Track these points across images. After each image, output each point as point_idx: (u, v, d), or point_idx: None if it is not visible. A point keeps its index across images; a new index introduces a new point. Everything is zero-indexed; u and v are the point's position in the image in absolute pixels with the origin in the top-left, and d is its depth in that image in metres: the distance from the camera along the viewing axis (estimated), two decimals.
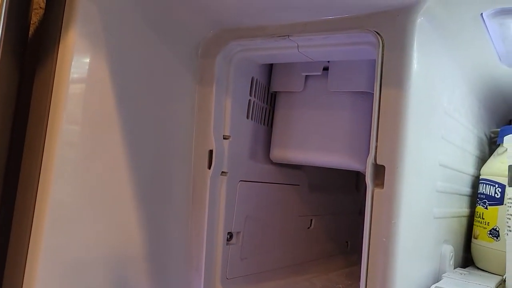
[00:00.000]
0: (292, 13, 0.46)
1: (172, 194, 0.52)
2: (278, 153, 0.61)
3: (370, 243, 0.41)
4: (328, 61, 0.56)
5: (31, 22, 0.45)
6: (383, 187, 0.41)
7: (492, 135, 0.72)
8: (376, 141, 0.41)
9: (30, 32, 0.45)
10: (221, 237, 0.54)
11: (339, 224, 0.82)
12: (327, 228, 0.78)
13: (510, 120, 0.80)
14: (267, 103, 0.63)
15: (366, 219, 0.41)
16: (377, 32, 0.42)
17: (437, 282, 0.49)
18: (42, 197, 0.40)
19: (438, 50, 0.46)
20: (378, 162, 0.41)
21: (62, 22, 0.42)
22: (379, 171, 0.41)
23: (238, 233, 0.57)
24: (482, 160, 0.67)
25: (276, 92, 0.62)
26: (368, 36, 0.42)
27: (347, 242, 0.86)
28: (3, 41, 0.40)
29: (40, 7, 0.47)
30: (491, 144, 0.72)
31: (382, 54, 0.41)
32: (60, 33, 0.41)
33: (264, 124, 0.62)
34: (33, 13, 0.46)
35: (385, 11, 0.41)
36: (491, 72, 0.57)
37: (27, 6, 0.44)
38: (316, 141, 0.57)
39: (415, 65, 0.41)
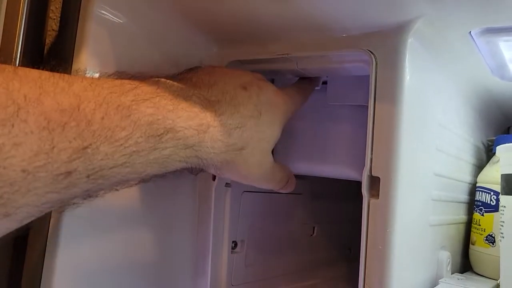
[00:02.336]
0: (292, 33, 0.48)
1: (179, 205, 0.54)
2: None
3: (367, 251, 0.43)
4: (327, 76, 0.58)
5: (45, 43, 0.48)
6: (378, 198, 0.43)
7: (489, 143, 0.73)
8: (371, 153, 0.43)
9: (44, 53, 0.48)
10: (226, 246, 0.56)
11: (341, 231, 0.83)
12: (330, 235, 0.80)
13: (508, 128, 0.81)
14: None
15: (363, 228, 0.43)
16: (370, 51, 0.44)
17: (434, 287, 0.50)
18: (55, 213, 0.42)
19: (430, 67, 0.49)
20: (373, 174, 0.43)
21: (74, 44, 0.44)
22: (374, 182, 0.43)
23: (242, 241, 0.59)
24: (480, 168, 0.68)
25: None
26: (362, 54, 0.45)
27: (349, 248, 0.87)
28: (21, 62, 0.43)
29: (53, 30, 0.49)
30: (488, 152, 0.73)
31: (376, 71, 0.43)
32: (73, 53, 0.44)
33: None
34: (46, 34, 0.48)
35: (377, 32, 0.44)
36: (484, 84, 0.59)
37: (42, 28, 0.47)
38: (316, 153, 0.59)
39: (407, 81, 0.43)
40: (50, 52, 0.49)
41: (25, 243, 0.44)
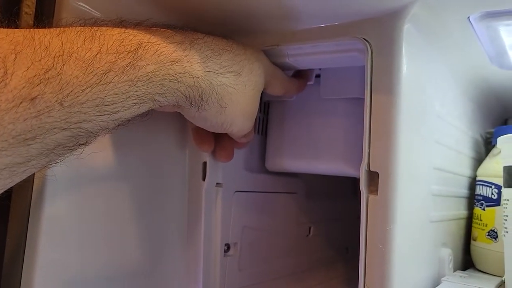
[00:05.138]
0: (281, 22, 0.46)
1: (168, 207, 0.52)
2: (274, 162, 0.61)
3: (367, 250, 0.41)
4: (320, 69, 0.56)
5: None
6: (377, 194, 0.41)
7: (488, 135, 0.72)
8: (369, 147, 0.41)
9: None
10: (218, 249, 0.53)
11: (338, 230, 0.82)
12: (326, 235, 0.78)
13: (506, 120, 0.80)
14: (261, 112, 0.63)
15: (362, 226, 0.41)
16: (365, 39, 0.42)
17: (437, 286, 0.48)
18: (35, 213, 0.40)
19: (428, 55, 0.47)
20: (371, 169, 0.41)
21: None
22: (373, 177, 0.41)
23: (235, 244, 0.57)
24: (479, 161, 0.66)
25: (269, 101, 0.62)
26: (356, 43, 0.42)
27: (346, 248, 0.85)
28: None
29: (29, 25, 0.47)
30: (487, 145, 0.72)
31: (371, 61, 0.41)
32: None
33: (258, 133, 0.62)
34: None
35: (372, 18, 0.42)
36: (482, 73, 0.57)
37: (17, 25, 0.44)
38: (310, 149, 0.57)
39: (405, 71, 0.41)
40: None
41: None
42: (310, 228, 0.73)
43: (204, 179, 0.52)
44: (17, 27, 0.43)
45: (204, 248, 0.52)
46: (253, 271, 0.60)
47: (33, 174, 0.40)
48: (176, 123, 0.52)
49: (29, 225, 0.40)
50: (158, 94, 0.35)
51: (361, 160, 0.42)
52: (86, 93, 0.29)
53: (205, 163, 0.52)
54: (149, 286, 0.49)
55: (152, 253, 0.50)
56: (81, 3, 0.42)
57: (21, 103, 0.26)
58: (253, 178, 0.60)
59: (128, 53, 0.32)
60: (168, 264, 0.52)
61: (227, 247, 0.55)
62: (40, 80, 0.27)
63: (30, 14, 0.46)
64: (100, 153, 0.44)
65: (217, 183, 0.53)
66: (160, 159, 0.51)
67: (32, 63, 0.27)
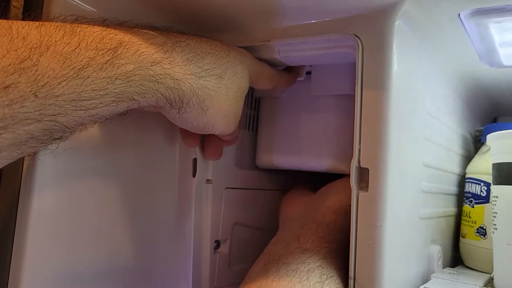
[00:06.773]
0: (271, 18, 0.46)
1: (158, 203, 0.51)
2: (264, 159, 0.61)
3: (357, 247, 0.41)
4: (311, 65, 0.56)
5: None
6: (367, 190, 0.41)
7: (477, 133, 0.72)
8: (359, 144, 0.41)
9: None
10: (208, 245, 0.53)
11: None
12: None
13: (495, 118, 0.80)
14: (251, 109, 0.62)
15: (352, 223, 0.41)
16: (356, 35, 0.42)
17: (426, 282, 0.49)
18: (23, 208, 0.39)
19: (418, 52, 0.47)
20: (362, 165, 0.41)
21: None
22: (363, 174, 0.41)
23: (225, 240, 0.56)
24: (468, 158, 0.67)
25: (260, 97, 0.62)
26: (348, 39, 0.42)
27: None
28: None
29: (18, 18, 0.46)
30: (476, 143, 0.72)
31: (362, 57, 0.41)
32: None
33: (249, 130, 0.62)
34: None
35: (363, 15, 0.41)
36: (472, 71, 0.57)
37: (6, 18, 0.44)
38: (301, 146, 0.57)
39: (395, 67, 0.41)
40: None
41: None
42: None
43: (194, 175, 0.52)
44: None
45: (194, 245, 0.52)
46: (243, 267, 0.60)
47: (21, 169, 0.40)
48: (166, 119, 0.52)
49: (17, 221, 0.39)
50: (137, 94, 0.34)
51: (352, 157, 0.42)
52: (62, 86, 0.29)
53: (195, 160, 0.52)
54: (138, 282, 0.49)
55: (142, 249, 0.49)
56: None
57: None
58: (243, 175, 0.60)
59: (108, 50, 0.32)
60: (158, 260, 0.51)
61: (217, 244, 0.55)
62: (15, 70, 0.27)
63: (19, 8, 0.46)
64: (90, 149, 0.43)
65: (207, 180, 0.53)
66: (151, 155, 0.50)
67: (8, 51, 0.27)
